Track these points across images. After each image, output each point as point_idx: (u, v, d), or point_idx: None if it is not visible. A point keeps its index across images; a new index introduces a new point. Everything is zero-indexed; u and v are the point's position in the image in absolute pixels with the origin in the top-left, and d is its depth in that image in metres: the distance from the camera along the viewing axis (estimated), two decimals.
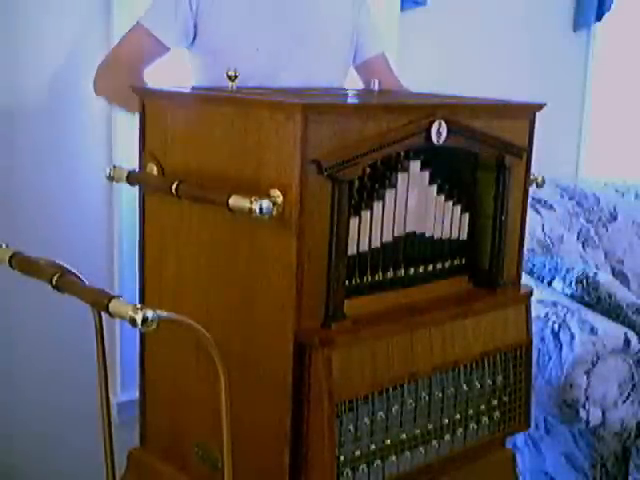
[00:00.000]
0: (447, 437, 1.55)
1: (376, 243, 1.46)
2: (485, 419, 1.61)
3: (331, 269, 1.35)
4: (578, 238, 2.85)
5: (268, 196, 1.29)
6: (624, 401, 2.17)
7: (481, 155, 1.60)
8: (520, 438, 2.38)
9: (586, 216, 2.90)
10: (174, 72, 2.10)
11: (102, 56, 2.09)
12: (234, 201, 1.29)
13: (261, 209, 1.26)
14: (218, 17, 1.93)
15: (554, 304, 2.30)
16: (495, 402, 1.62)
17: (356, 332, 1.39)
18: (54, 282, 1.22)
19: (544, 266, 2.57)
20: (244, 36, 1.94)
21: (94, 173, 2.15)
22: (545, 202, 2.84)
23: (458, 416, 1.56)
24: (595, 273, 2.47)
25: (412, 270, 1.53)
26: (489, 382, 1.61)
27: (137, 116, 1.58)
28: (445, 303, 1.56)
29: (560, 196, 2.91)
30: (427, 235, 1.54)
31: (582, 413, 2.12)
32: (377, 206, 1.44)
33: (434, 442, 1.52)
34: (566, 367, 2.12)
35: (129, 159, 1.85)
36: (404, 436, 1.47)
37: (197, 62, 1.99)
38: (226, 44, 1.93)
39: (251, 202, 1.27)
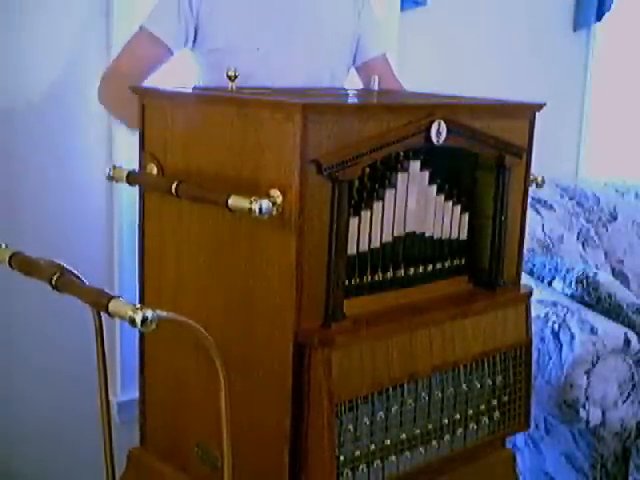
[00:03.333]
0: (447, 437, 1.55)
1: (376, 243, 1.46)
2: (485, 419, 1.61)
3: (331, 269, 1.35)
4: (578, 238, 2.85)
5: (268, 196, 1.29)
6: (624, 401, 2.17)
7: (481, 155, 1.59)
8: (520, 438, 2.38)
9: (586, 216, 2.90)
10: (174, 72, 2.10)
11: (102, 58, 2.11)
12: (234, 201, 1.29)
13: (261, 209, 1.26)
14: (218, 18, 1.93)
15: (554, 304, 2.30)
16: (495, 402, 1.62)
17: (356, 332, 1.39)
18: (54, 282, 1.22)
19: (544, 266, 2.57)
20: (244, 36, 1.94)
21: (94, 173, 2.15)
22: (545, 202, 2.84)
23: (458, 416, 1.56)
24: (595, 273, 2.47)
25: (412, 270, 1.53)
26: (489, 382, 1.60)
27: (136, 133, 1.58)
28: (445, 303, 1.56)
29: (560, 196, 2.91)
30: (427, 235, 1.54)
31: (582, 413, 2.12)
32: (377, 206, 1.44)
33: (434, 442, 1.52)
34: (566, 367, 2.12)
35: (129, 159, 1.85)
36: (404, 436, 1.47)
37: (201, 63, 1.99)
38: (227, 44, 1.93)
39: (251, 202, 1.27)
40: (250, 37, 1.94)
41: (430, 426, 1.51)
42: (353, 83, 2.17)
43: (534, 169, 1.68)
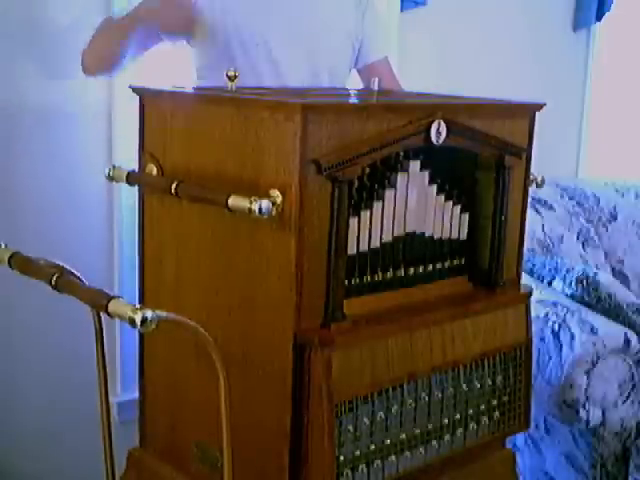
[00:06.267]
0: (447, 437, 1.54)
1: (376, 243, 1.45)
2: (485, 419, 1.61)
3: (331, 269, 1.35)
4: (578, 238, 2.85)
5: (268, 196, 1.29)
6: (624, 401, 2.17)
7: (481, 155, 1.59)
8: (520, 438, 2.38)
9: (586, 216, 2.90)
10: (174, 72, 2.10)
11: None
12: (233, 201, 1.29)
13: (260, 209, 1.26)
14: (218, 12, 1.93)
15: (554, 304, 2.30)
16: (495, 402, 1.62)
17: (356, 332, 1.39)
18: (53, 282, 1.22)
19: (544, 266, 2.57)
20: (244, 31, 1.94)
21: (94, 173, 2.15)
22: (545, 202, 2.84)
23: (458, 416, 1.56)
24: (595, 273, 2.47)
25: (412, 270, 1.53)
26: (489, 382, 1.60)
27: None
28: (445, 303, 1.55)
29: (560, 196, 2.91)
30: (427, 235, 1.54)
31: (582, 413, 2.12)
32: (377, 206, 1.44)
33: (434, 442, 1.52)
34: (566, 367, 2.12)
35: (129, 159, 1.85)
36: (404, 436, 1.47)
37: (199, 58, 1.99)
38: (226, 39, 1.93)
39: (250, 202, 1.26)
40: (249, 32, 1.94)
41: (430, 426, 1.51)
42: (353, 83, 2.17)
43: (534, 169, 1.68)
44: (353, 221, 1.40)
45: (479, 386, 1.59)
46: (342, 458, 1.38)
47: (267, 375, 1.39)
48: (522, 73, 2.98)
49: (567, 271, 2.50)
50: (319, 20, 2.02)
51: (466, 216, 1.60)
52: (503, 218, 1.60)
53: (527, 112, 1.64)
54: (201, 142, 1.45)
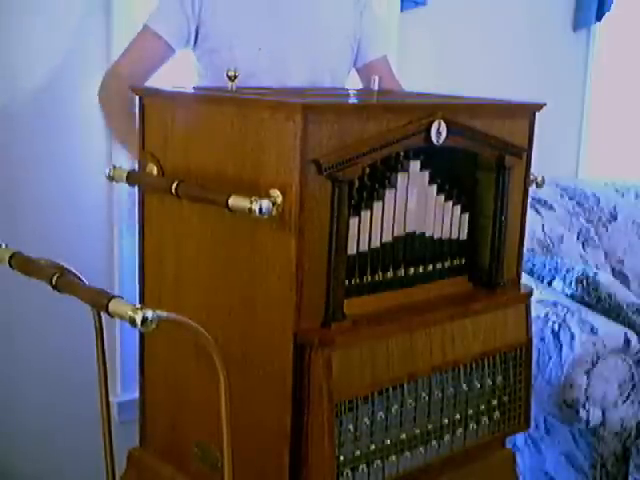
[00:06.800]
0: (447, 437, 1.55)
1: (376, 243, 1.46)
2: (485, 419, 1.61)
3: (331, 269, 1.35)
4: (578, 238, 2.85)
5: (268, 196, 1.29)
6: (624, 401, 2.17)
7: (481, 155, 1.59)
8: (520, 438, 2.38)
9: (586, 216, 2.90)
10: (174, 72, 2.10)
11: (102, 56, 2.10)
12: (234, 201, 1.29)
13: (261, 209, 1.26)
14: (219, 18, 1.93)
15: (554, 304, 2.30)
16: (495, 402, 1.62)
17: (356, 332, 1.39)
18: (54, 282, 1.22)
19: (544, 266, 2.57)
20: (246, 36, 1.94)
21: (94, 173, 2.15)
22: (545, 202, 2.84)
23: (458, 416, 1.56)
24: (595, 273, 2.47)
25: (412, 270, 1.53)
26: (489, 382, 1.60)
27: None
28: (445, 303, 1.56)
29: (560, 196, 2.91)
30: (427, 235, 1.54)
31: (582, 413, 2.12)
32: (377, 206, 1.44)
33: (434, 442, 1.52)
34: (566, 367, 2.12)
35: (129, 159, 1.85)
36: (404, 436, 1.47)
37: (202, 63, 1.99)
38: (228, 44, 1.94)
39: (251, 202, 1.27)
40: (251, 37, 1.94)
41: (430, 426, 1.51)
42: (353, 83, 2.18)
43: (534, 169, 1.68)
44: (353, 221, 1.40)
45: (479, 386, 1.59)
46: (342, 458, 1.38)
47: (267, 375, 1.39)
48: (522, 73, 2.98)
49: (567, 271, 2.50)
50: (318, 21, 2.02)
51: (466, 216, 1.61)
52: (503, 218, 1.60)
53: (527, 112, 1.64)
54: (201, 142, 1.45)
